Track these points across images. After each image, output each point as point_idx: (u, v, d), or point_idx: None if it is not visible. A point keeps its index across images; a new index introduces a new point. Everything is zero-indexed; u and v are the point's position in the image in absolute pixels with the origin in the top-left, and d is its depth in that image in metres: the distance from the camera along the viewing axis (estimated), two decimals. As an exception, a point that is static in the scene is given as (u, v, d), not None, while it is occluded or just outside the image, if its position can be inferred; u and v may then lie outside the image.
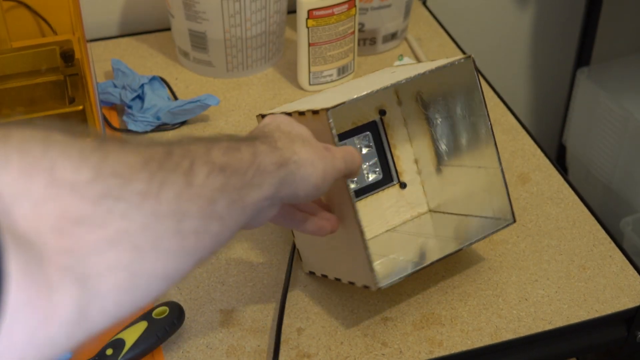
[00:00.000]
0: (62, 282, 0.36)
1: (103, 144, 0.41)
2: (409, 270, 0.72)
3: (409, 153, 0.84)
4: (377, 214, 0.83)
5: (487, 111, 0.75)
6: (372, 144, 0.83)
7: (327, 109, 0.67)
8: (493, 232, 0.76)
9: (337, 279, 0.76)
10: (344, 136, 0.82)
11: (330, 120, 0.67)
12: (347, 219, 0.69)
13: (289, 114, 0.69)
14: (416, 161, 0.83)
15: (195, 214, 0.45)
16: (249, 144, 0.54)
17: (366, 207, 0.82)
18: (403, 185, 0.83)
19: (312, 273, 0.80)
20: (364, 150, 0.83)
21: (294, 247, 0.80)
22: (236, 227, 0.51)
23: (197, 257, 0.46)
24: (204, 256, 0.47)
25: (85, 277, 0.37)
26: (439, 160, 0.81)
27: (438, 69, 0.73)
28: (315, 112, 0.68)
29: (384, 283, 0.69)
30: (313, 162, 0.59)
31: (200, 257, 0.47)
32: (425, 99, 0.80)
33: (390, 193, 0.83)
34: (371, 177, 0.83)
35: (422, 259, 0.74)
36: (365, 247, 0.68)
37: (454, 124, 0.78)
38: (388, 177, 0.83)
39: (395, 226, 0.83)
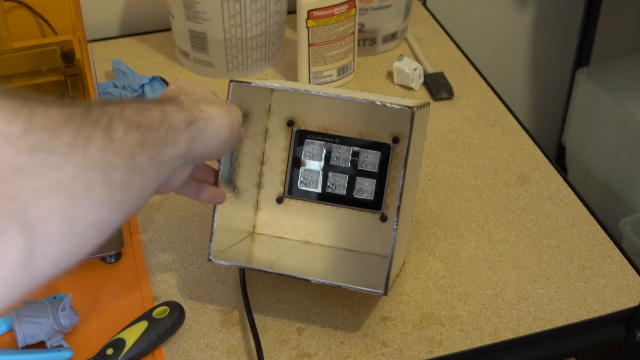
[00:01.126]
0: (9, 227, 0.39)
1: (29, 101, 0.43)
2: (243, 264, 0.74)
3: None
4: (340, 228, 0.81)
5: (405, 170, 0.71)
6: (377, 164, 0.80)
7: (231, 80, 0.71)
8: (357, 289, 0.72)
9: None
10: (351, 142, 0.80)
11: (231, 89, 0.71)
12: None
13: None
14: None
15: (119, 166, 0.47)
16: (157, 105, 0.55)
17: (338, 216, 0.81)
18: (383, 219, 0.80)
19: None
20: (369, 167, 0.80)
21: None
22: (156, 183, 0.52)
23: (125, 209, 0.48)
24: (130, 209, 0.49)
25: (30, 222, 0.40)
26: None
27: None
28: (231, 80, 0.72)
29: (213, 257, 0.74)
30: (220, 117, 0.61)
31: (128, 209, 0.48)
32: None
33: (369, 218, 0.81)
34: (364, 195, 0.80)
35: (275, 268, 0.74)
36: (213, 220, 0.72)
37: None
38: (377, 203, 0.80)
39: (345, 247, 0.81)
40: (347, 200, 0.81)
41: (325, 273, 0.75)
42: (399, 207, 0.70)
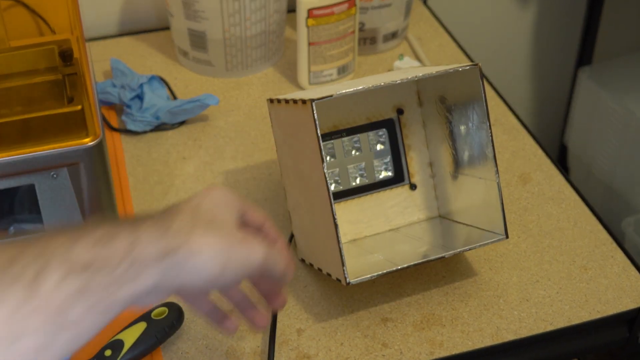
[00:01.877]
0: None
1: None
2: (383, 271, 0.72)
3: (424, 155, 0.84)
4: (381, 212, 0.83)
5: (489, 123, 0.75)
6: (386, 141, 0.83)
7: (312, 100, 0.67)
8: (480, 245, 0.75)
9: (319, 269, 0.77)
10: (357, 130, 0.82)
11: (314, 112, 0.68)
12: (327, 213, 0.69)
13: (292, 101, 0.70)
14: (430, 164, 0.83)
15: (36, 329, 0.43)
16: (131, 231, 0.49)
17: (371, 203, 0.83)
18: (413, 187, 0.83)
19: (302, 261, 0.81)
20: (378, 147, 0.83)
21: (291, 235, 0.82)
22: (100, 327, 0.47)
23: None
24: None
25: None
26: (456, 167, 0.81)
27: (444, 72, 0.73)
28: (304, 102, 0.69)
29: (353, 279, 0.70)
30: (212, 251, 0.51)
31: None
32: (448, 104, 0.80)
33: (399, 193, 0.83)
34: (382, 175, 0.83)
35: (402, 262, 0.74)
36: (338, 242, 0.69)
37: (469, 132, 0.78)
38: (399, 176, 0.83)
39: (399, 226, 0.83)
40: (374, 185, 0.83)
41: (432, 248, 0.78)
42: (494, 156, 0.75)
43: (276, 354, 0.73)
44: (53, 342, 0.44)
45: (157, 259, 0.49)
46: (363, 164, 0.83)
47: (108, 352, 0.70)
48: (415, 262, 0.73)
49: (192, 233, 0.51)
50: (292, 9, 1.08)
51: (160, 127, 1.00)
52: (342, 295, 0.78)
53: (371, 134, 0.83)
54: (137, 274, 0.48)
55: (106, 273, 0.46)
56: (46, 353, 0.44)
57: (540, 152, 0.97)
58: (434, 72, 0.73)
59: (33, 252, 0.44)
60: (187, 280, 0.50)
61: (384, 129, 0.83)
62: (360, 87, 0.71)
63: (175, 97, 1.05)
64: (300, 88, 1.07)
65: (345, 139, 0.82)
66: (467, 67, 0.73)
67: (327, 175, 0.69)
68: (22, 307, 0.42)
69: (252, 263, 0.54)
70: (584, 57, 1.48)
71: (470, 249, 0.75)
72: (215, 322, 0.62)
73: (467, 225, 0.79)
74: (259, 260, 0.54)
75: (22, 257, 0.43)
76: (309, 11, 1.00)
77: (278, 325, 0.75)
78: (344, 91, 0.70)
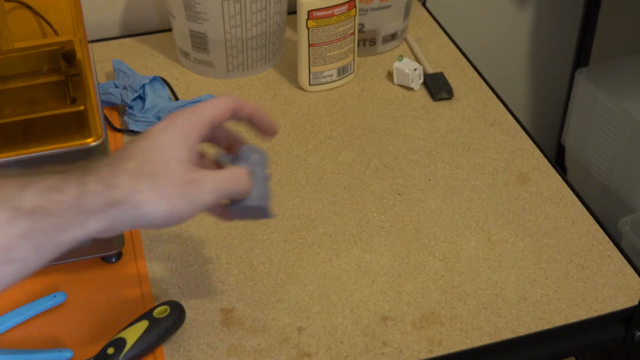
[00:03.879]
0: None
1: None
2: None
3: None
4: None
5: None
6: None
7: None
8: None
9: None
10: None
11: None
12: None
13: None
14: None
15: None
16: (77, 183, 0.52)
17: None
18: None
19: None
20: None
21: None
22: (45, 262, 0.51)
23: None
24: None
25: None
26: None
27: None
28: None
29: None
30: (153, 204, 0.54)
31: None
32: None
33: None
34: None
35: None
36: None
37: None
38: None
39: None
40: None
41: None
42: None
43: (276, 352, 0.73)
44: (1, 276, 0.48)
45: (102, 209, 0.52)
46: None
47: (110, 350, 0.70)
48: None
49: (134, 189, 0.53)
50: (292, 11, 1.08)
51: (161, 128, 1.00)
52: (341, 293, 0.79)
53: None
54: (82, 220, 0.51)
55: (52, 218, 0.50)
56: None
57: (538, 152, 0.98)
58: None
59: None
60: (136, 225, 0.55)
61: None
62: None
63: (176, 98, 1.06)
64: (301, 89, 1.08)
65: None
66: None
67: None
68: None
69: (202, 204, 0.57)
70: (582, 58, 1.49)
71: None
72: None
73: None
74: (209, 200, 0.57)
75: None
76: (309, 13, 1.00)
77: (278, 324, 0.76)
78: None
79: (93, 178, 0.53)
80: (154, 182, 0.54)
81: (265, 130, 0.67)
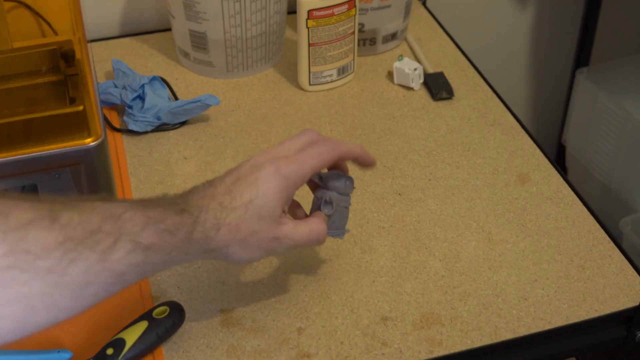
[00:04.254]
0: None
1: (31, 224, 0.53)
2: None
3: None
4: None
5: None
6: None
7: None
8: None
9: None
10: None
11: None
12: None
13: None
14: None
15: (100, 283, 0.56)
16: (186, 232, 0.61)
17: None
18: None
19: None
20: None
21: None
22: (134, 283, 0.60)
23: (89, 307, 0.57)
24: (96, 304, 0.57)
25: None
26: None
27: None
28: None
29: None
30: (244, 254, 0.65)
31: (92, 306, 0.57)
32: None
33: None
34: None
35: None
36: None
37: None
38: None
39: None
40: None
41: None
42: None
43: (276, 352, 0.73)
44: (107, 292, 0.57)
45: (199, 253, 0.63)
46: None
47: (110, 351, 0.70)
48: None
49: (227, 245, 0.64)
50: (292, 10, 1.08)
51: (161, 128, 1.00)
52: (341, 294, 0.79)
53: None
54: (182, 258, 0.62)
55: (160, 255, 0.59)
56: (101, 298, 0.57)
57: (538, 152, 0.98)
58: None
59: (110, 230, 0.56)
60: (224, 261, 0.67)
61: None
62: None
63: (176, 98, 1.06)
64: (301, 89, 1.08)
65: None
66: None
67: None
68: (94, 267, 0.55)
69: (277, 254, 0.73)
70: (582, 58, 1.49)
71: None
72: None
73: None
74: (284, 252, 0.71)
75: (100, 231, 0.55)
76: (309, 12, 1.00)
77: (278, 324, 0.76)
78: None
79: (200, 229, 0.62)
80: (245, 242, 0.65)
81: (366, 166, 0.74)
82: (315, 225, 0.69)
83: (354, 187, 0.74)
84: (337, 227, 0.74)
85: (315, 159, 0.68)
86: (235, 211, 0.64)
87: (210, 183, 0.66)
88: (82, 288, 0.55)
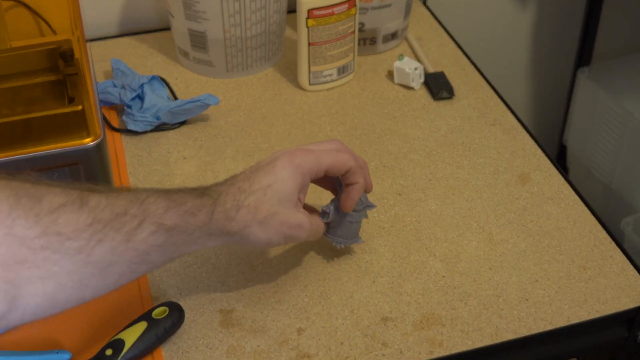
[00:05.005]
0: None
1: (62, 207, 0.56)
2: None
3: None
4: None
5: None
6: None
7: None
8: None
9: None
10: None
11: None
12: None
13: None
14: None
15: (125, 262, 0.60)
16: (208, 212, 0.64)
17: None
18: None
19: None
20: None
21: None
22: (160, 265, 0.64)
23: (117, 286, 0.61)
24: (124, 283, 0.61)
25: (16, 297, 0.55)
26: None
27: None
28: None
29: None
30: (259, 241, 0.68)
31: (120, 285, 0.61)
32: None
33: None
34: None
35: None
36: None
37: None
38: None
39: None
40: None
41: None
42: None
43: (276, 353, 0.73)
44: (132, 271, 0.61)
45: (220, 234, 0.66)
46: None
47: (109, 352, 0.70)
48: None
49: (247, 225, 0.67)
50: (292, 10, 1.08)
51: (160, 127, 1.00)
52: (342, 294, 0.79)
53: None
54: (205, 240, 0.65)
55: (183, 235, 0.63)
56: (128, 278, 0.61)
57: (539, 152, 0.98)
58: None
59: (135, 212, 0.60)
60: (240, 245, 0.69)
61: None
62: None
63: (175, 97, 1.05)
64: (301, 88, 1.08)
65: None
66: None
67: None
68: (119, 247, 0.59)
69: (293, 241, 0.75)
70: (583, 57, 1.48)
71: None
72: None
73: None
74: (300, 240, 0.73)
75: (126, 214, 0.59)
76: (309, 11, 1.00)
77: (278, 324, 0.76)
78: None
79: (220, 209, 0.65)
80: (265, 223, 0.68)
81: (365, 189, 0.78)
82: (319, 222, 0.76)
83: (367, 206, 0.79)
84: (337, 235, 0.79)
85: (330, 157, 0.72)
86: (255, 194, 0.67)
87: (232, 176, 0.70)
88: (108, 266, 0.58)
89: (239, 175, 0.69)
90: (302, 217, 0.70)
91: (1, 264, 0.54)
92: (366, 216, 0.80)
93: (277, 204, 0.68)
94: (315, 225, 0.74)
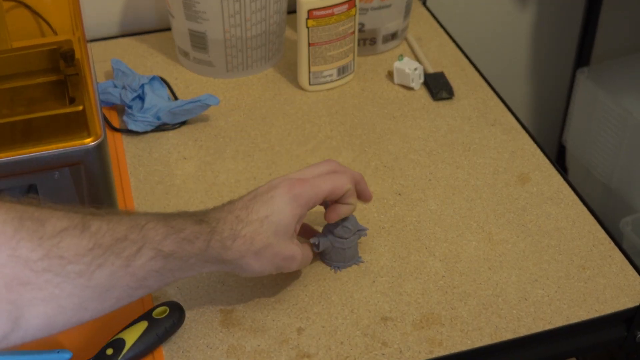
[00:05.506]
0: (1, 317, 0.55)
1: (64, 231, 0.57)
2: None
3: None
4: None
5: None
6: None
7: None
8: None
9: None
10: None
11: None
12: None
13: None
14: None
15: (123, 287, 0.61)
16: (205, 240, 0.65)
17: None
18: None
19: None
20: None
21: None
22: (162, 288, 0.68)
23: (114, 309, 0.62)
24: (121, 306, 0.63)
25: (18, 318, 0.56)
26: None
27: None
28: None
29: None
30: (257, 267, 0.70)
31: (117, 308, 0.63)
32: None
33: None
34: None
35: None
36: None
37: None
38: None
39: None
40: None
41: None
42: None
43: (276, 353, 0.73)
44: (130, 296, 0.62)
45: (216, 262, 0.67)
46: None
47: (109, 351, 0.70)
48: None
49: (243, 256, 0.68)
50: (292, 10, 1.08)
51: (161, 127, 1.00)
52: (341, 294, 0.79)
53: None
54: (200, 266, 0.67)
55: (180, 262, 0.64)
56: (125, 301, 0.62)
57: (538, 152, 0.98)
58: None
59: (135, 238, 0.61)
60: (235, 273, 0.71)
61: None
62: None
63: (176, 98, 1.06)
64: (301, 88, 1.08)
65: None
66: None
67: None
68: (119, 271, 0.60)
69: (289, 269, 0.73)
70: (583, 58, 1.48)
71: None
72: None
73: None
74: (290, 271, 0.74)
75: (126, 239, 0.60)
76: (309, 12, 1.00)
77: (278, 324, 0.76)
78: None
79: (217, 237, 0.66)
80: (259, 254, 0.69)
81: (362, 197, 0.80)
82: (309, 252, 0.77)
83: (359, 231, 0.80)
84: (334, 260, 0.81)
85: (328, 184, 0.73)
86: (251, 225, 0.68)
87: (230, 201, 0.70)
88: (106, 291, 0.60)
89: (237, 203, 0.70)
90: (295, 249, 0.72)
91: (5, 284, 0.55)
92: (359, 238, 0.81)
93: (272, 235, 0.69)
94: (306, 255, 0.75)
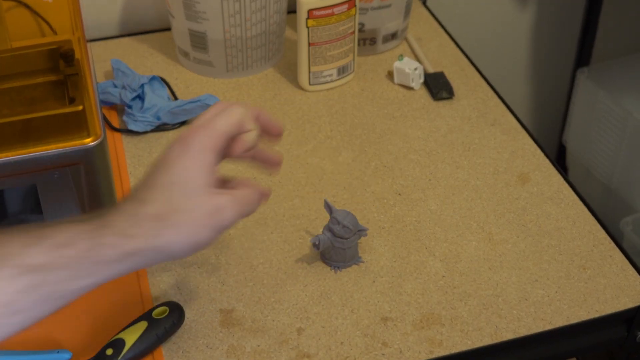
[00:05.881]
0: None
1: None
2: None
3: None
4: None
5: None
6: None
7: None
8: None
9: None
10: None
11: None
12: None
13: None
14: None
15: None
16: (90, 237, 0.55)
17: None
18: None
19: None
20: None
21: None
22: (55, 310, 0.55)
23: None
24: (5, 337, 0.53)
25: None
26: None
27: None
28: None
29: None
30: (182, 238, 0.58)
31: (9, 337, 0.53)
32: None
33: None
34: None
35: None
36: None
37: None
38: None
39: None
40: None
41: None
42: None
43: (276, 353, 0.73)
44: (5, 325, 0.52)
45: (121, 259, 0.56)
46: None
47: (109, 351, 0.70)
48: None
49: (155, 235, 0.57)
50: (292, 10, 1.08)
51: (161, 128, 1.00)
52: (341, 294, 0.79)
53: None
54: (94, 270, 0.56)
55: (61, 272, 0.54)
56: (8, 333, 0.52)
57: (539, 152, 0.98)
58: None
59: None
60: (162, 261, 0.59)
61: None
62: None
63: (176, 98, 1.06)
64: (301, 88, 1.08)
65: None
66: None
67: None
68: None
69: (225, 228, 0.60)
70: (583, 58, 1.48)
71: None
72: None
73: None
74: (231, 223, 0.61)
75: None
76: (309, 12, 1.00)
77: (278, 324, 0.76)
78: None
79: (110, 231, 0.56)
80: (176, 223, 0.58)
81: (270, 131, 0.68)
82: (247, 191, 0.64)
83: (359, 231, 0.80)
84: (333, 260, 0.81)
85: (222, 119, 0.62)
86: (154, 200, 0.58)
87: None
88: None
89: (137, 186, 0.61)
90: (219, 199, 0.60)
91: None
92: (359, 238, 0.80)
93: (181, 198, 0.58)
94: (241, 198, 0.62)
